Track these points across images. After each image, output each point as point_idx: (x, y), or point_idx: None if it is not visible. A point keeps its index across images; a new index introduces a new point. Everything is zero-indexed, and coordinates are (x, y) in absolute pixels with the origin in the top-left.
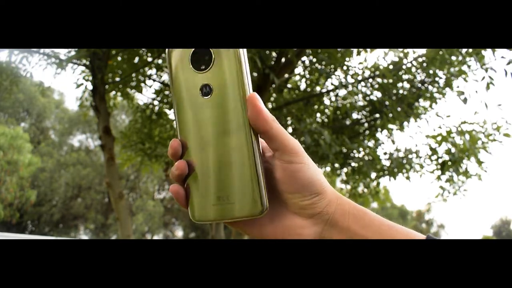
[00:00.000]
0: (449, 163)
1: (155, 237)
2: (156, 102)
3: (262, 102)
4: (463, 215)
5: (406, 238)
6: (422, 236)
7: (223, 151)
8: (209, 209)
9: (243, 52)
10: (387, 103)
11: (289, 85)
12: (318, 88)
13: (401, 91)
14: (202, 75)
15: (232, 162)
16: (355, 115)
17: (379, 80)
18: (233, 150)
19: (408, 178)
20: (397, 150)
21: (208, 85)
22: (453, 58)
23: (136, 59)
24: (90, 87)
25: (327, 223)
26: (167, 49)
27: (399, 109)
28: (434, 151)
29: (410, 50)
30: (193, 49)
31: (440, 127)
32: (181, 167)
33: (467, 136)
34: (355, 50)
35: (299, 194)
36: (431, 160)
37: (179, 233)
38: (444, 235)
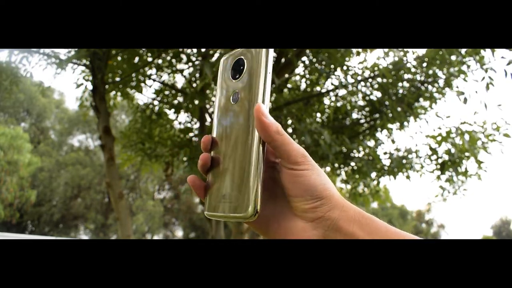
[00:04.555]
0: (449, 163)
1: (155, 237)
2: (156, 102)
3: (267, 111)
4: (463, 215)
5: None
6: None
7: (234, 153)
8: (216, 205)
9: (271, 56)
10: (387, 103)
11: (289, 85)
12: (318, 88)
13: (401, 91)
14: (234, 83)
15: (237, 165)
16: (355, 115)
17: (379, 80)
18: (240, 154)
19: (408, 177)
20: (397, 149)
21: (237, 92)
22: (453, 58)
23: (136, 59)
24: (90, 87)
25: (329, 228)
26: (223, 56)
27: (399, 109)
28: (434, 151)
29: (410, 50)
30: (238, 57)
31: (440, 127)
32: (203, 158)
33: (467, 136)
34: (355, 50)
35: (301, 198)
36: (431, 160)
37: (179, 233)
38: (444, 235)
